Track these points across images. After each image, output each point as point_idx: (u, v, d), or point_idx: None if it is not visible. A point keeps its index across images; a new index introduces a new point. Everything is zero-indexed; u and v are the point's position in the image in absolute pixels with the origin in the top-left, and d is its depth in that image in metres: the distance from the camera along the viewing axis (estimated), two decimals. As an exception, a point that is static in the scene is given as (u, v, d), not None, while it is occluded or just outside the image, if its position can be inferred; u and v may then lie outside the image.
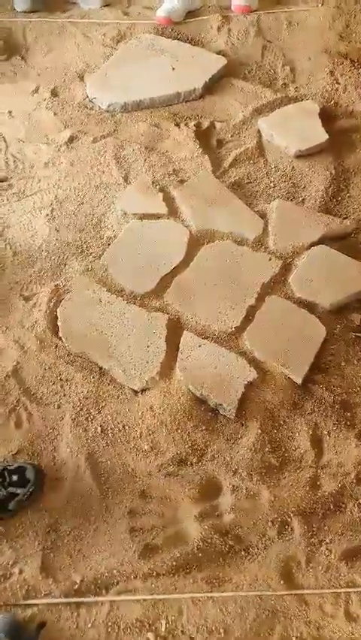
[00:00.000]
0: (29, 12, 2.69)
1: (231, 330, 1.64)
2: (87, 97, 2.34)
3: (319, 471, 1.42)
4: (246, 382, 1.54)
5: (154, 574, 1.29)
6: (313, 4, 2.57)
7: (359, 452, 1.44)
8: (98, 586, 1.28)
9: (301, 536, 1.32)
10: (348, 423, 1.50)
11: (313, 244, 1.80)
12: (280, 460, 1.44)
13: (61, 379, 1.63)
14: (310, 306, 1.68)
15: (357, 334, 1.65)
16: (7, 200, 2.08)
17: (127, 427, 1.53)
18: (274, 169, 2.06)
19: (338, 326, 1.67)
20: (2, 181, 2.14)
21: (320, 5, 2.55)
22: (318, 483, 1.40)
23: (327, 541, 1.32)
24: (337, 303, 1.69)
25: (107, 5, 2.73)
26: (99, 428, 1.53)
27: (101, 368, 1.63)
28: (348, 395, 1.55)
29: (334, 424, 1.49)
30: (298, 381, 1.55)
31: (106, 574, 1.29)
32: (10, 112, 2.33)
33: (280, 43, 2.47)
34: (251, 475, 1.41)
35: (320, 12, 2.52)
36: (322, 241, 1.81)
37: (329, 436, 1.48)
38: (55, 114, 2.30)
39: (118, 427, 1.53)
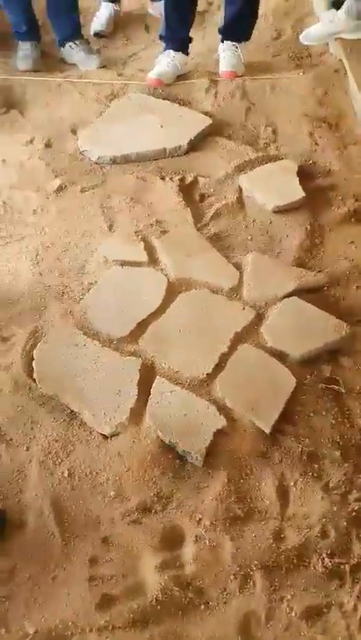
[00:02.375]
0: (30, 71, 2.83)
1: (202, 377, 1.64)
2: (79, 149, 2.43)
3: (284, 523, 1.39)
4: (215, 430, 1.52)
5: (110, 627, 1.24)
6: (296, 72, 2.71)
7: (324, 505, 1.41)
8: (52, 638, 1.23)
9: (263, 591, 1.28)
10: (315, 475, 1.47)
11: (286, 296, 1.82)
12: (245, 511, 1.41)
13: (32, 421, 1.61)
14: (281, 356, 1.69)
15: (327, 385, 1.65)
16: (-5, 244, 2.12)
17: (94, 472, 1.50)
18: (252, 223, 2.11)
19: (308, 377, 1.67)
20: (-9, 225, 2.19)
21: (301, 74, 2.68)
22: (282, 536, 1.37)
23: (289, 597, 1.27)
24: (307, 354, 1.69)
25: (103, 67, 2.88)
26: (66, 472, 1.50)
27: (72, 411, 1.61)
28: (316, 446, 1.53)
29: (300, 474, 1.47)
30: (267, 430, 1.53)
31: (60, 626, 1.24)
32: (4, 160, 2.41)
33: (264, 107, 2.58)
34: (215, 525, 1.38)
35: (302, 80, 2.65)
36: (295, 293, 1.83)
37: (295, 487, 1.45)
38: (47, 164, 2.37)
39: (85, 472, 1.50)
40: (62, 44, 2.89)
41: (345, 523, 1.38)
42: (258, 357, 1.68)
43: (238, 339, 1.72)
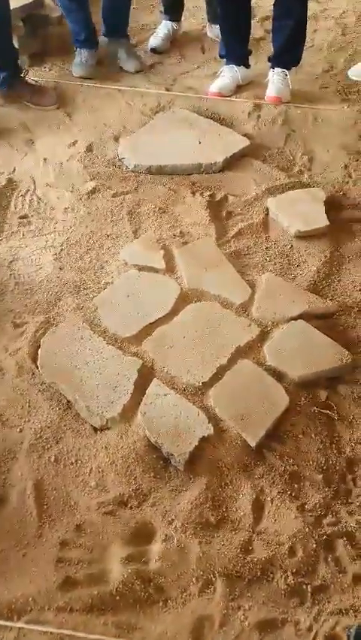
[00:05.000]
0: (85, 78, 3.03)
1: (198, 384, 1.71)
2: (117, 156, 2.58)
3: (254, 536, 1.43)
4: (201, 437, 1.59)
5: (68, 609, 1.31)
6: (340, 105, 2.80)
7: (297, 525, 1.45)
8: (11, 610, 1.30)
9: (221, 598, 1.32)
10: (293, 494, 1.52)
11: (293, 318, 1.88)
12: (218, 519, 1.46)
13: (29, 405, 1.71)
14: (278, 375, 1.75)
15: (320, 410, 1.69)
16: (23, 235, 2.27)
17: (79, 462, 1.58)
18: (273, 245, 2.20)
19: (303, 399, 1.72)
20: (23, 218, 2.34)
21: (345, 108, 2.78)
22: (250, 548, 1.41)
23: (246, 607, 1.31)
24: (305, 376, 1.75)
25: (140, 71, 3.03)
26: (53, 457, 1.59)
27: (68, 401, 1.71)
28: (299, 467, 1.57)
29: (279, 492, 1.51)
30: (253, 444, 1.59)
31: (21, 600, 1.32)
32: (45, 159, 2.58)
33: (303, 135, 2.68)
34: (186, 527, 1.44)
35: (345, 113, 2.74)
36: (303, 317, 1.89)
37: (272, 503, 1.50)
38: (85, 167, 2.53)
39: (71, 460, 1.59)
40: (107, 35, 3.08)
41: (314, 545, 1.41)
42: (255, 374, 1.74)
43: (238, 354, 1.79)
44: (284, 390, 1.70)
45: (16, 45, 2.87)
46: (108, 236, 2.23)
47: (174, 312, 1.90)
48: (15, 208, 2.36)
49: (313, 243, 2.18)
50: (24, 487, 1.53)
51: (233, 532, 1.44)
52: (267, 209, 2.31)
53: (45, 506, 1.50)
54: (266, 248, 2.19)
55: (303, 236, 2.19)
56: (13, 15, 2.83)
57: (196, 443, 1.58)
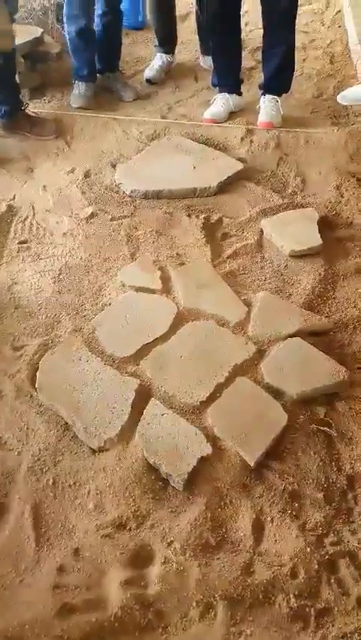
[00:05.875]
0: (83, 108, 3.05)
1: (196, 403, 1.67)
2: (115, 182, 2.58)
3: (255, 557, 1.37)
4: (200, 457, 1.54)
5: (65, 637, 1.24)
6: (330, 129, 2.81)
7: (298, 545, 1.38)
8: (6, 639, 1.24)
9: (223, 623, 1.25)
10: (294, 513, 1.46)
11: (290, 335, 1.85)
12: (218, 540, 1.40)
13: (27, 428, 1.67)
14: (276, 393, 1.70)
15: (319, 427, 1.64)
16: (23, 260, 2.25)
17: (77, 484, 1.53)
18: (268, 264, 2.17)
19: (302, 416, 1.67)
20: (23, 243, 2.33)
21: (335, 130, 2.78)
22: (251, 570, 1.35)
23: (248, 632, 1.24)
24: (303, 393, 1.70)
25: (137, 99, 3.08)
26: (51, 480, 1.54)
27: (66, 423, 1.66)
28: (299, 486, 1.52)
29: (279, 512, 1.45)
30: (252, 463, 1.53)
31: (17, 628, 1.25)
32: (44, 186, 2.58)
33: (295, 158, 2.68)
34: (185, 550, 1.37)
35: (335, 135, 2.74)
36: (299, 334, 1.85)
37: (272, 523, 1.44)
38: (83, 193, 2.53)
39: (69, 482, 1.53)
40: (103, 71, 3.15)
41: (317, 566, 1.35)
42: (253, 392, 1.70)
43: (236, 372, 1.75)
44: (282, 408, 1.65)
45: (17, 80, 2.90)
46: (106, 259, 2.21)
47: (171, 331, 1.87)
48: (15, 234, 2.35)
49: (308, 262, 2.15)
50: (22, 511, 1.48)
51: (233, 554, 1.38)
52: (261, 230, 2.30)
53: (43, 530, 1.44)
54: (261, 267, 2.16)
55: (297, 255, 2.16)
56: (15, 51, 2.87)
57: (195, 463, 1.52)
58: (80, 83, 3.08)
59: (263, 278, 2.11)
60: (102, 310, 1.98)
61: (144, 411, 1.64)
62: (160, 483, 1.52)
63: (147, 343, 1.83)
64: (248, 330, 1.88)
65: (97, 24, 2.98)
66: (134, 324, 1.89)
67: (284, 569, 1.35)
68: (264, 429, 1.61)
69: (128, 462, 1.55)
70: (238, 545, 1.40)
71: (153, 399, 1.68)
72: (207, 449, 1.55)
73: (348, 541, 1.41)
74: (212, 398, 1.68)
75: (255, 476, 1.53)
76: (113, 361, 1.79)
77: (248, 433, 1.59)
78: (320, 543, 1.39)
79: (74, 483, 1.53)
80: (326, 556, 1.37)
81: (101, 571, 1.35)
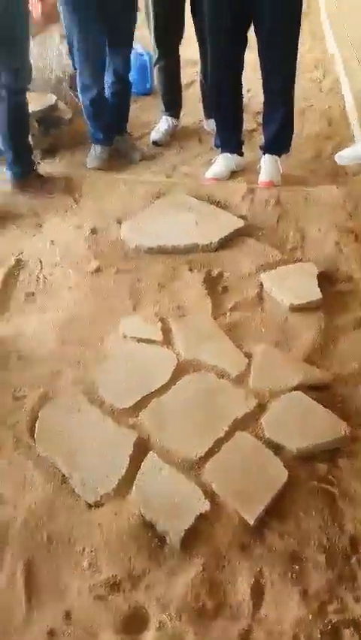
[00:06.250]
0: (97, 169, 3.17)
1: (194, 458, 1.63)
2: (120, 237, 2.63)
3: (254, 624, 1.29)
4: (197, 514, 1.49)
5: None
6: (329, 187, 2.88)
7: (300, 612, 1.31)
8: None
9: None
10: (294, 577, 1.39)
11: (290, 389, 1.82)
12: (215, 604, 1.33)
13: (25, 480, 1.63)
14: (277, 448, 1.66)
15: (320, 485, 1.59)
16: (29, 311, 2.27)
17: (72, 540, 1.48)
18: (268, 317, 2.17)
19: (303, 473, 1.62)
20: (29, 295, 2.36)
21: (334, 188, 2.85)
22: (250, 638, 1.27)
23: None
24: (304, 449, 1.65)
25: (142, 159, 3.19)
26: (46, 536, 1.49)
27: (64, 475, 1.62)
28: (300, 547, 1.45)
29: (279, 575, 1.39)
30: (251, 522, 1.48)
31: None
32: (52, 241, 2.63)
33: (295, 215, 2.73)
34: (181, 614, 1.30)
35: (334, 193, 2.80)
36: (300, 388, 1.83)
37: (272, 587, 1.37)
38: (89, 247, 2.57)
39: (64, 539, 1.48)
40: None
41: (319, 636, 1.27)
42: (253, 447, 1.66)
43: (236, 426, 1.71)
44: (283, 464, 1.61)
45: (30, 142, 3.03)
46: (109, 311, 2.23)
47: (171, 382, 1.85)
48: (22, 286, 2.39)
49: (308, 316, 2.15)
50: (14, 570, 1.42)
51: (231, 620, 1.30)
52: (261, 284, 2.31)
53: (34, 589, 1.38)
54: (262, 320, 2.16)
55: (297, 309, 2.16)
56: (30, 117, 3.02)
57: (192, 521, 1.47)
58: (96, 145, 3.21)
59: (263, 331, 2.11)
60: (103, 361, 1.97)
61: (142, 464, 1.61)
62: (156, 541, 1.47)
63: (147, 394, 1.81)
64: (248, 383, 1.86)
65: (107, 92, 3.14)
66: (134, 375, 1.88)
67: (285, 638, 1.27)
68: (264, 486, 1.56)
69: (125, 518, 1.50)
70: (237, 610, 1.33)
71: (151, 452, 1.64)
72: (205, 506, 1.50)
73: (352, 609, 1.33)
74: (211, 453, 1.64)
75: (254, 536, 1.47)
76: (113, 412, 1.77)
77: (248, 489, 1.55)
78: (323, 610, 1.32)
79: (69, 539, 1.48)
80: (329, 626, 1.29)
81: (93, 635, 1.29)
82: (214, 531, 1.47)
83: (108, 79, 3.10)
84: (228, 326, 2.12)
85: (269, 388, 1.83)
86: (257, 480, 1.57)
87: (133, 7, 2.96)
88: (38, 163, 3.04)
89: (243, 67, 2.84)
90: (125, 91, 3.18)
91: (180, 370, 1.90)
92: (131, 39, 3.07)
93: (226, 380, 1.87)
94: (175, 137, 3.51)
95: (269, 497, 1.53)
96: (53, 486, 1.60)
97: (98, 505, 1.54)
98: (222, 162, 3.00)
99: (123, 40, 3.00)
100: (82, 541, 1.47)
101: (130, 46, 3.09)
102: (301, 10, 2.60)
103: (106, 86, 3.12)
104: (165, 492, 1.53)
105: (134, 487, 1.55)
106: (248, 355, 1.96)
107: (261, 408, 1.78)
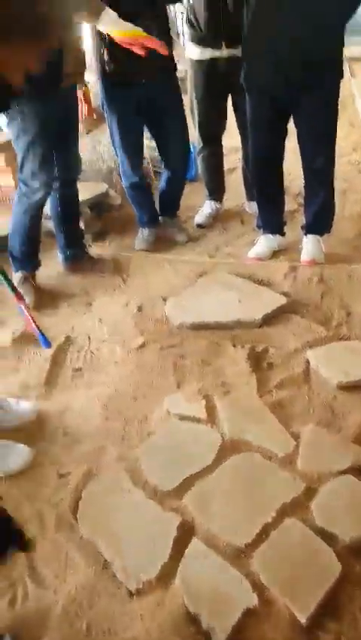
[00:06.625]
0: (144, 251, 3.31)
1: (241, 546, 1.54)
2: (165, 314, 2.69)
3: None
4: (245, 609, 1.39)
5: None
6: (373, 264, 2.89)
7: None
8: None
9: None
10: None
11: (341, 472, 1.73)
12: None
13: (66, 563, 1.58)
14: (328, 537, 1.55)
15: (378, 579, 1.47)
16: (76, 387, 2.31)
17: (112, 631, 1.40)
18: (316, 396, 2.12)
19: (358, 565, 1.50)
20: (77, 370, 2.41)
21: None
22: None
23: None
24: (358, 538, 1.55)
25: (189, 241, 3.30)
26: (85, 626, 1.42)
27: (105, 560, 1.57)
28: (359, 652, 1.32)
29: None
30: (303, 620, 1.36)
31: None
32: (100, 319, 2.72)
33: (339, 292, 2.73)
34: None
35: (379, 271, 2.80)
36: (350, 471, 1.74)
37: None
38: (135, 324, 2.64)
39: (103, 629, 1.41)
40: (161, 214, 3.43)
41: None
42: (303, 535, 1.56)
43: (284, 511, 1.63)
44: (335, 556, 1.50)
45: (82, 226, 3.22)
46: (153, 387, 2.24)
47: (215, 463, 1.80)
48: (70, 362, 2.45)
49: (357, 395, 2.08)
50: (52, 662, 1.35)
51: None
52: (307, 361, 2.28)
53: None
54: (309, 399, 2.11)
55: (346, 387, 2.11)
56: (83, 203, 3.23)
57: (239, 616, 1.37)
58: (143, 228, 3.38)
59: (311, 410, 2.05)
60: (147, 439, 1.96)
61: (186, 551, 1.54)
62: (200, 637, 1.37)
63: (190, 475, 1.76)
64: (296, 465, 1.78)
65: (162, 181, 3.31)
66: (178, 455, 1.84)
67: None
68: (315, 579, 1.45)
69: (167, 609, 1.41)
70: None
71: (195, 538, 1.58)
72: (253, 600, 1.40)
73: None
74: (259, 540, 1.55)
75: (307, 635, 1.35)
76: (156, 494, 1.72)
77: (298, 583, 1.44)
78: None
79: (109, 630, 1.41)
80: None
81: None
82: (263, 628, 1.36)
83: (163, 173, 3.28)
84: (274, 404, 2.08)
85: (318, 471, 1.75)
86: (308, 572, 1.47)
87: (180, 112, 3.04)
88: (90, 246, 3.20)
89: (283, 155, 2.97)
90: (178, 181, 3.31)
91: (225, 450, 1.85)
92: (183, 140, 3.14)
93: (272, 462, 1.80)
94: (218, 219, 3.65)
95: (322, 593, 1.42)
96: (95, 570, 1.55)
97: (140, 592, 1.47)
98: (265, 242, 3.08)
99: (173, 142, 3.11)
100: (122, 633, 1.39)
101: (182, 145, 3.15)
102: (337, 100, 2.73)
103: (163, 177, 3.30)
104: (210, 581, 1.45)
105: (177, 575, 1.48)
106: (295, 435, 1.90)
107: (310, 492, 1.70)
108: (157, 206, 3.42)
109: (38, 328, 2.13)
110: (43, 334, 2.14)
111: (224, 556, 1.52)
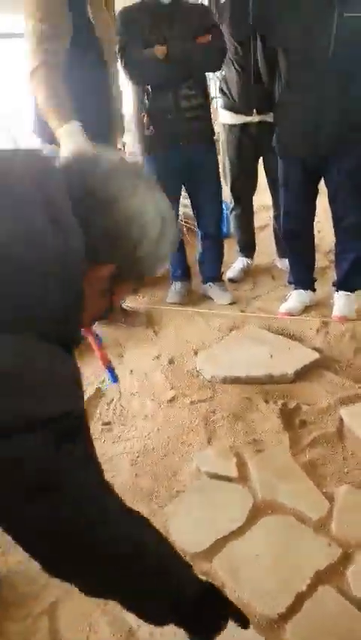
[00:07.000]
0: (177, 304, 3.34)
1: (274, 616, 1.46)
2: (196, 368, 2.68)
3: None
4: None
5: None
6: None
7: None
8: None
9: None
10: None
11: (379, 538, 1.64)
12: None
13: (90, 629, 1.52)
14: (367, 610, 1.46)
15: None
16: (105, 441, 2.29)
17: None
18: (350, 455, 2.04)
19: None
20: (106, 424, 2.40)
21: None
22: None
23: None
24: None
25: (233, 303, 3.30)
26: None
27: (131, 627, 1.50)
28: None
29: None
30: None
31: None
32: (131, 370, 2.73)
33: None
34: None
35: None
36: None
37: None
38: (166, 377, 2.63)
39: None
40: (206, 282, 3.42)
41: None
42: (339, 605, 1.47)
43: (319, 579, 1.54)
44: (375, 630, 1.40)
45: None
46: (183, 442, 2.20)
47: (246, 525, 1.74)
48: (100, 415, 2.44)
49: (393, 455, 2.00)
50: None
51: None
52: (341, 419, 2.22)
53: None
54: (343, 458, 2.03)
55: (381, 447, 2.03)
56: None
57: None
58: (175, 282, 3.43)
59: (345, 470, 1.97)
60: (176, 497, 1.91)
61: (216, 619, 1.45)
62: None
63: (221, 538, 1.69)
64: (331, 529, 1.70)
65: (198, 244, 3.36)
66: (207, 515, 1.78)
67: None
68: (354, 655, 1.35)
69: None
70: None
71: (225, 605, 1.49)
72: None
73: None
74: (292, 610, 1.47)
75: None
76: (185, 555, 1.66)
77: (336, 660, 1.34)
78: None
79: None
80: None
81: None
82: None
83: (199, 233, 3.34)
84: (307, 463, 2.01)
85: (354, 536, 1.66)
86: (346, 649, 1.36)
87: (215, 174, 3.14)
88: (123, 300, 3.26)
89: (315, 215, 3.02)
90: (213, 241, 3.32)
91: (257, 511, 1.79)
92: (218, 202, 3.23)
93: (306, 525, 1.72)
94: (249, 274, 3.69)
95: (362, 673, 1.31)
96: (119, 638, 1.48)
97: (167, 664, 1.39)
98: (296, 298, 3.08)
99: (208, 203, 3.19)
100: None
101: (216, 207, 3.23)
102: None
103: (198, 239, 3.36)
104: (242, 655, 1.36)
105: (206, 647, 1.39)
106: (329, 497, 1.82)
107: (346, 558, 1.61)
108: (197, 269, 3.43)
109: (110, 363, 2.09)
110: (113, 369, 2.10)
111: (256, 627, 1.43)
